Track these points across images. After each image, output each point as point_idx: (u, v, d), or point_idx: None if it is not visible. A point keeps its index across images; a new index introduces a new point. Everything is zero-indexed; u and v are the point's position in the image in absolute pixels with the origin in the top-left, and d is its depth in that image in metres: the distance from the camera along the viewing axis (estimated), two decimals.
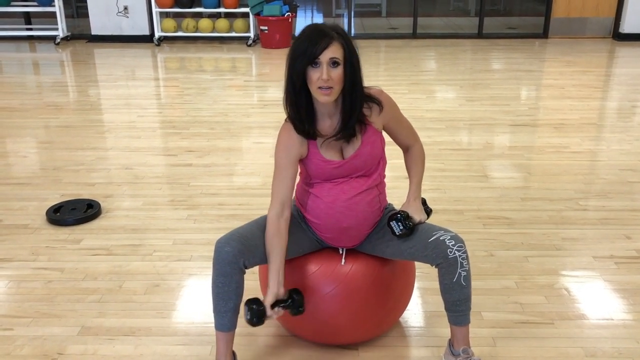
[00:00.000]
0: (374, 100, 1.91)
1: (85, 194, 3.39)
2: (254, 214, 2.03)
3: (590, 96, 5.37)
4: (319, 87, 1.76)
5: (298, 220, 2.01)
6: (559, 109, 4.99)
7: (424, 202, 2.05)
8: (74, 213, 3.09)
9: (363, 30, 9.02)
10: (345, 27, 8.30)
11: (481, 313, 2.30)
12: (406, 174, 2.13)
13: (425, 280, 2.49)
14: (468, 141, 4.28)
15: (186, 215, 3.13)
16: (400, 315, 2.20)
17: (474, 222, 3.04)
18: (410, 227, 1.92)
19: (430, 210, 2.06)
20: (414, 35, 8.23)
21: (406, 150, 2.10)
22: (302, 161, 1.94)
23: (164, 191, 3.45)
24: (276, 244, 1.86)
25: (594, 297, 2.42)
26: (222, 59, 7.23)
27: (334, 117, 1.88)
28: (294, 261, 2.00)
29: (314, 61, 1.74)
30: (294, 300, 1.87)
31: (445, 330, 2.00)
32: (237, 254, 1.80)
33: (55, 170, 3.78)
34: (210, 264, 2.64)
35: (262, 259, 1.89)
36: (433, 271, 1.92)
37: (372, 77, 6.10)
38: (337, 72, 1.76)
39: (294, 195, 2.03)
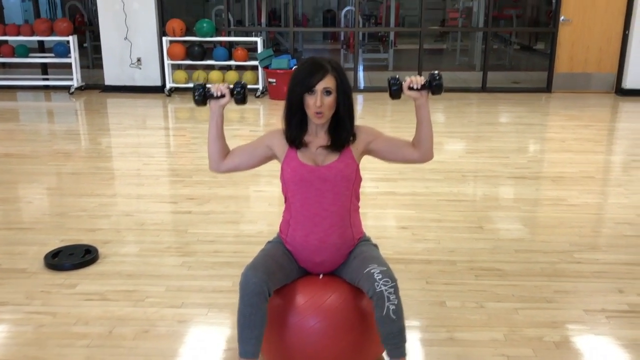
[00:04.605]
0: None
1: (85, 239, 3.45)
2: (247, 262, 2.07)
3: (590, 150, 5.41)
4: (314, 112, 2.00)
5: (283, 250, 2.15)
6: (558, 162, 5.03)
7: (437, 76, 2.03)
8: (72, 258, 3.14)
9: (370, 83, 9.21)
10: (352, 80, 8.50)
11: None
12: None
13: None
14: (465, 192, 4.32)
15: (181, 262, 3.18)
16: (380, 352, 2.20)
17: (466, 273, 3.05)
18: (394, 83, 2.03)
19: (439, 83, 2.01)
20: None
21: (413, 145, 2.17)
22: (281, 170, 2.12)
23: (162, 238, 3.50)
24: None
25: (583, 351, 2.40)
26: (231, 110, 7.40)
27: (321, 132, 2.09)
28: (280, 293, 2.09)
29: (310, 90, 1.98)
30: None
31: None
32: (263, 284, 1.94)
33: (59, 215, 3.86)
34: (201, 310, 2.70)
35: (281, 283, 2.06)
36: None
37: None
38: (329, 100, 2.01)
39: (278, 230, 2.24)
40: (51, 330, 2.53)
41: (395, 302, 1.91)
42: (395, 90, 2.05)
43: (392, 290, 1.91)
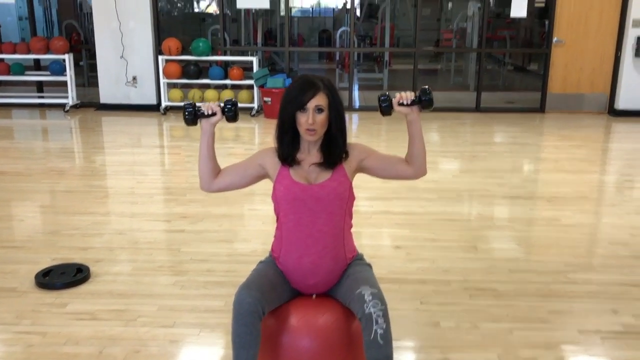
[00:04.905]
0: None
1: (77, 258, 3.42)
2: (240, 281, 2.05)
3: (584, 170, 5.43)
4: (306, 129, 1.99)
5: (275, 269, 2.12)
6: (553, 182, 5.05)
7: (427, 91, 2.03)
8: (63, 277, 3.11)
9: (365, 102, 9.26)
10: (347, 100, 8.53)
11: None
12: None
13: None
14: (460, 212, 4.32)
15: (173, 281, 3.15)
16: None
17: (461, 293, 3.03)
18: (384, 100, 2.03)
19: (429, 98, 2.02)
20: None
21: (407, 161, 2.17)
22: (273, 189, 2.09)
23: (154, 257, 3.48)
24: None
25: None
26: (226, 128, 7.40)
27: (313, 150, 2.08)
28: (273, 312, 2.06)
29: (302, 107, 1.98)
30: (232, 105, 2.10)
31: None
32: (257, 303, 1.91)
33: (51, 234, 3.84)
34: (193, 330, 2.67)
35: (274, 303, 2.03)
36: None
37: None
38: (321, 117, 2.00)
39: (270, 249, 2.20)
40: (41, 351, 2.50)
41: (384, 327, 1.86)
42: (385, 107, 2.06)
43: (380, 313, 1.87)
